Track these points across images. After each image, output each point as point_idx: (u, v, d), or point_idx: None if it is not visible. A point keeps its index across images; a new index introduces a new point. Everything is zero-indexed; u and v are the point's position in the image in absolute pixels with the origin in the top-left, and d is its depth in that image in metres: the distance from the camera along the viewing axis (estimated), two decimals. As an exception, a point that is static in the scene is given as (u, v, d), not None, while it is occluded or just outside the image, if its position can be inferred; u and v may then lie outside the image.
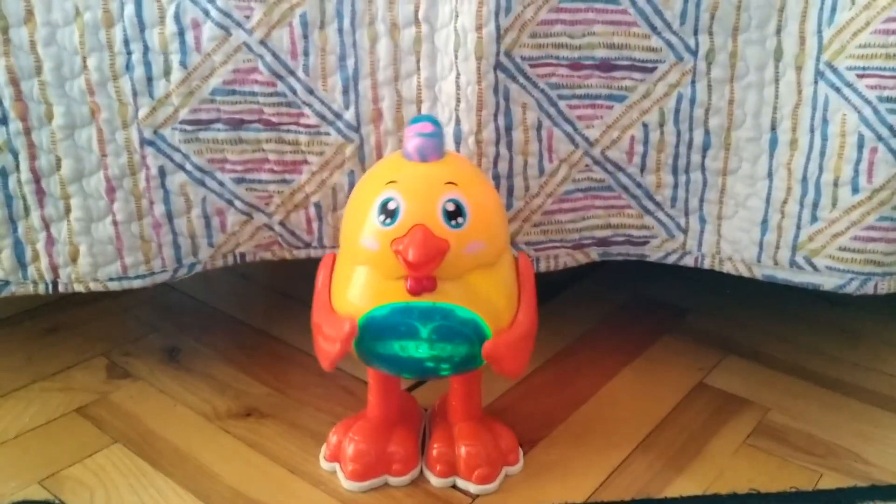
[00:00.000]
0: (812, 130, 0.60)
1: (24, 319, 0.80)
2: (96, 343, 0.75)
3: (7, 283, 0.63)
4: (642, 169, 0.64)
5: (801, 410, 0.67)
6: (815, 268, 0.62)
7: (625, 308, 0.84)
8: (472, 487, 0.58)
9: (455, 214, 0.51)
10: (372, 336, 0.53)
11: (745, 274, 0.66)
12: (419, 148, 0.53)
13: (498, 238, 0.55)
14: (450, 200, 0.51)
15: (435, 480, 0.58)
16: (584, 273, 0.91)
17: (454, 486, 0.58)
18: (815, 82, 0.60)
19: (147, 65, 0.58)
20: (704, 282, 0.89)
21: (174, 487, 0.58)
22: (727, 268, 0.66)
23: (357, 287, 0.53)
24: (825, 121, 0.60)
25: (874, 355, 0.75)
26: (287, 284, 0.88)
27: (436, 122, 0.54)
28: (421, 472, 0.59)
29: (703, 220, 0.66)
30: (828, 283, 0.62)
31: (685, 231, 0.67)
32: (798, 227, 0.62)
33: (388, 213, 0.51)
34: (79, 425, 0.64)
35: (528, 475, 0.59)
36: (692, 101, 0.62)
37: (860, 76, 0.58)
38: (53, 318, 0.80)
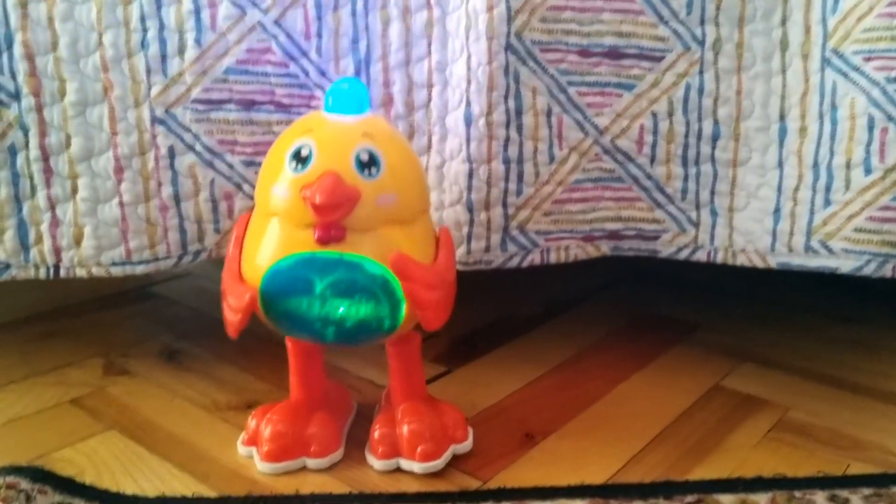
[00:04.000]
0: (821, 116, 0.61)
1: (21, 326, 0.78)
2: (93, 346, 0.73)
3: (8, 266, 0.62)
4: (652, 160, 0.64)
5: (821, 409, 0.64)
6: (830, 251, 0.61)
7: (632, 324, 0.82)
8: (416, 466, 0.55)
9: (369, 164, 0.50)
10: (274, 291, 0.51)
11: (759, 265, 0.65)
12: (338, 99, 0.52)
13: (413, 196, 0.53)
14: (364, 150, 0.50)
15: (377, 463, 0.55)
16: (587, 294, 0.90)
17: (398, 469, 0.55)
18: (822, 69, 0.61)
19: (162, 42, 0.59)
20: (713, 300, 0.88)
21: (171, 469, 0.55)
22: (740, 260, 0.66)
23: (266, 239, 0.51)
24: (834, 106, 0.60)
25: (893, 365, 0.73)
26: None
27: (360, 82, 0.54)
28: (365, 457, 0.56)
29: (714, 213, 0.65)
30: (844, 265, 0.61)
31: (697, 225, 0.66)
32: (811, 213, 0.62)
33: (301, 160, 0.50)
34: (72, 414, 0.61)
35: (541, 463, 0.57)
36: (700, 91, 0.63)
37: (867, 59, 0.59)
38: (50, 325, 0.78)
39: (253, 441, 0.57)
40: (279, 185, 0.51)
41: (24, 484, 0.47)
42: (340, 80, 0.56)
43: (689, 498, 0.52)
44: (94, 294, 0.86)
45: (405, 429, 0.56)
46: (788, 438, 0.60)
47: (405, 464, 0.55)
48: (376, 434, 0.56)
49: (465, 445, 0.57)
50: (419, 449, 0.55)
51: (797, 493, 0.53)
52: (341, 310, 0.51)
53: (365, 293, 0.51)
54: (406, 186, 0.53)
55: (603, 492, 0.53)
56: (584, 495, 0.52)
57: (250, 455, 0.56)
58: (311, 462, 0.55)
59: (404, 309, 0.52)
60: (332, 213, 0.49)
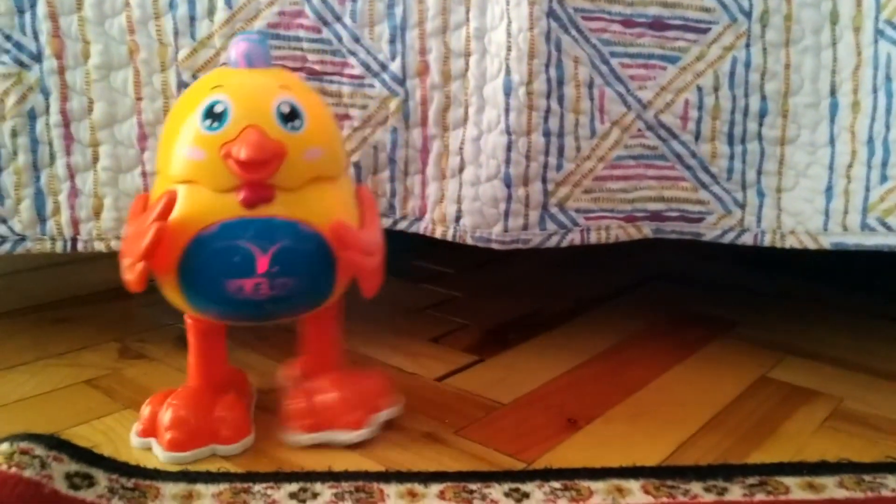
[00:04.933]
0: (875, 90, 0.58)
1: (31, 312, 0.75)
2: (108, 331, 0.70)
3: (23, 238, 0.59)
4: (697, 136, 0.62)
5: (877, 400, 0.61)
6: (889, 228, 0.58)
7: (667, 320, 0.79)
8: (340, 436, 0.51)
9: (291, 117, 0.47)
10: (201, 266, 0.46)
11: (811, 246, 0.62)
12: (246, 52, 0.48)
13: (337, 150, 0.50)
14: (285, 102, 0.47)
15: (296, 438, 0.51)
16: (617, 291, 0.87)
17: (321, 444, 0.52)
18: (876, 42, 0.58)
19: (191, 3, 0.57)
20: (745, 300, 0.85)
21: (192, 447, 0.51)
22: (790, 242, 0.62)
23: (179, 208, 0.46)
24: (889, 78, 0.58)
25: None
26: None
27: (261, 33, 0.51)
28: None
29: (761, 194, 0.62)
30: (904, 242, 0.58)
31: (743, 206, 0.63)
32: (867, 189, 0.59)
33: (215, 117, 0.46)
34: (87, 394, 0.58)
35: (586, 446, 0.53)
36: (747, 65, 0.61)
37: (923, 28, 0.56)
38: (63, 312, 0.75)
39: (150, 431, 0.51)
40: (192, 147, 0.46)
41: (39, 450, 0.43)
42: (243, 33, 0.52)
43: (751, 480, 0.48)
44: (108, 284, 0.83)
45: (325, 399, 0.52)
46: (847, 427, 0.57)
47: (329, 435, 0.51)
48: (293, 408, 0.52)
49: (391, 412, 0.54)
50: (342, 419, 0.51)
51: (866, 477, 0.49)
52: (292, 283, 0.46)
53: (303, 263, 0.47)
54: (330, 139, 0.49)
55: (658, 473, 0.49)
56: (638, 476, 0.49)
57: (146, 447, 0.51)
58: (222, 449, 0.50)
59: (337, 274, 0.48)
60: (261, 169, 0.45)
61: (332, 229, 0.47)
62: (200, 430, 0.50)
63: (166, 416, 0.50)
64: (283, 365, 0.59)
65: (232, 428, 0.51)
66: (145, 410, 0.51)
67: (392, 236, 0.68)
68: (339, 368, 0.55)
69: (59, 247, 0.59)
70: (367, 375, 0.55)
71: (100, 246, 0.59)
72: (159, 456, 0.50)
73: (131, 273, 0.46)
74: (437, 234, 0.63)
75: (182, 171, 0.47)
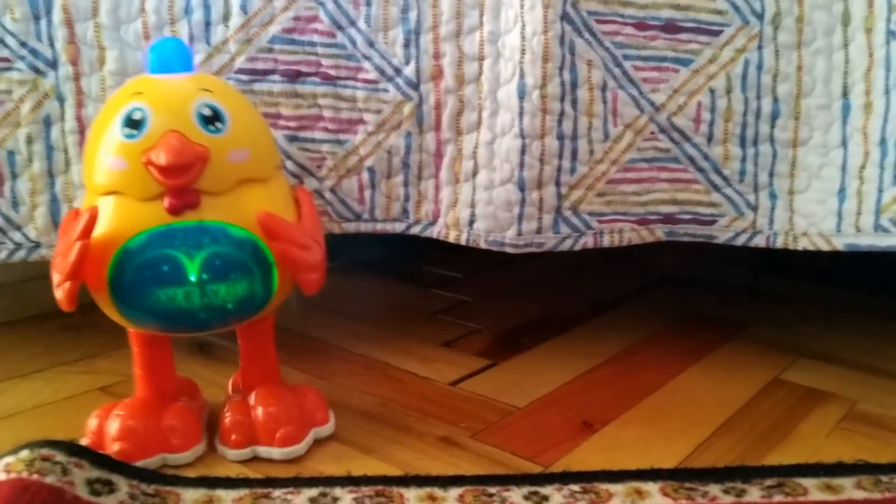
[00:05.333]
0: (888, 91, 0.58)
1: (45, 320, 0.75)
2: (121, 338, 0.69)
3: (38, 245, 0.59)
4: (709, 139, 0.62)
5: (892, 402, 0.61)
6: (903, 229, 0.58)
7: (679, 322, 0.79)
8: (276, 452, 0.51)
9: (212, 119, 0.46)
10: (130, 279, 0.45)
11: (824, 247, 0.62)
12: (164, 58, 0.47)
13: (266, 150, 0.49)
14: (204, 105, 0.46)
15: (230, 453, 0.51)
16: (628, 295, 0.87)
17: (256, 458, 0.51)
18: (888, 43, 0.58)
19: (206, 8, 0.57)
20: (757, 302, 0.85)
21: (211, 452, 0.51)
22: (802, 244, 0.62)
23: (107, 222, 0.45)
24: (901, 80, 0.58)
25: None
26: (329, 300, 0.83)
27: (181, 41, 0.50)
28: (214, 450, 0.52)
29: (773, 196, 0.63)
30: (919, 243, 0.58)
31: (755, 208, 0.63)
32: (880, 191, 0.59)
33: (134, 125, 0.45)
34: (102, 400, 0.58)
35: (603, 449, 0.53)
36: (759, 67, 0.61)
37: (936, 30, 0.56)
38: (74, 319, 0.74)
39: (98, 443, 0.49)
40: (113, 157, 0.45)
41: (60, 457, 0.43)
42: (161, 40, 0.51)
43: (769, 481, 0.48)
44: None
45: (260, 413, 0.51)
46: (861, 429, 0.57)
47: (262, 451, 0.51)
48: (227, 421, 0.51)
49: (327, 428, 0.54)
50: (278, 434, 0.50)
51: (883, 478, 0.49)
52: (223, 291, 0.46)
53: (237, 267, 0.46)
54: (257, 140, 0.48)
55: (676, 475, 0.49)
56: (656, 479, 0.49)
57: None
58: (172, 458, 0.50)
59: (276, 277, 0.48)
60: (182, 174, 0.44)
61: (260, 220, 0.46)
62: (149, 440, 0.49)
63: (113, 426, 0.49)
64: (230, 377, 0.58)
65: (182, 436, 0.50)
66: (92, 423, 0.50)
67: (397, 240, 0.68)
68: (276, 381, 0.54)
69: (74, 253, 0.59)
70: (304, 390, 0.55)
71: (115, 252, 0.59)
72: None
73: (61, 292, 0.45)
74: (451, 239, 0.63)
75: (105, 181, 0.46)
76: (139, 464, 0.48)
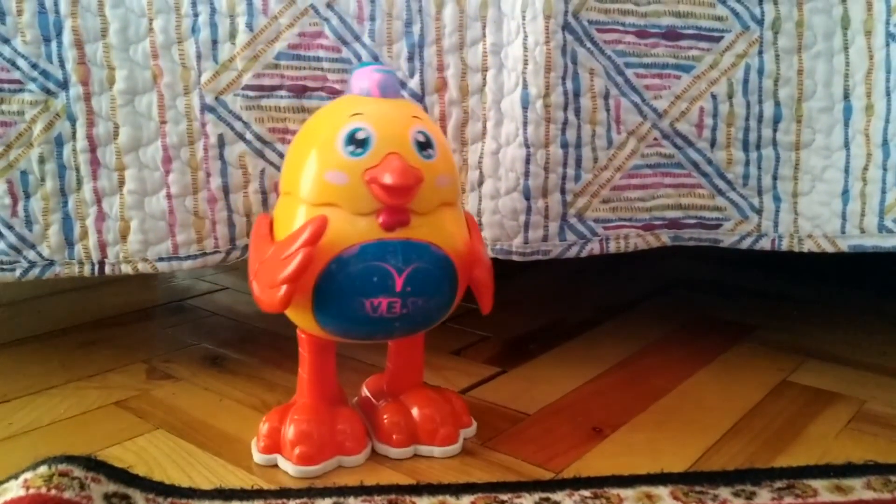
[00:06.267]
0: (888, 93, 0.59)
1: (59, 336, 0.76)
2: (134, 353, 0.71)
3: (52, 263, 0.60)
4: (712, 144, 0.62)
5: (901, 402, 0.61)
6: (907, 229, 0.59)
7: (687, 326, 0.79)
8: (437, 451, 0.53)
9: (426, 145, 0.48)
10: (339, 286, 0.47)
11: (829, 249, 0.62)
12: (381, 83, 0.50)
13: (457, 177, 0.52)
14: (419, 132, 0.49)
15: (393, 452, 0.53)
16: (636, 300, 0.88)
17: (416, 455, 0.53)
18: (887, 45, 0.59)
19: (213, 27, 0.58)
20: (764, 305, 0.85)
21: (224, 465, 0.52)
22: (807, 246, 0.63)
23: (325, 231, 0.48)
24: (901, 82, 0.58)
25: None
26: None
27: (388, 67, 0.53)
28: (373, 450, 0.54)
29: (777, 199, 0.63)
30: (923, 243, 0.59)
31: (759, 212, 0.64)
32: (883, 192, 0.59)
33: (358, 143, 0.47)
34: (117, 415, 0.59)
35: (613, 454, 0.54)
36: (760, 72, 0.61)
37: (935, 31, 0.57)
38: (88, 335, 0.76)
39: (272, 447, 0.52)
40: (333, 172, 0.48)
41: (77, 472, 0.44)
42: (365, 62, 0.55)
43: (779, 483, 0.49)
44: (130, 307, 0.84)
45: (420, 414, 0.54)
46: (870, 429, 0.57)
47: (424, 450, 0.53)
48: (387, 422, 0.53)
49: (471, 430, 0.56)
50: (439, 434, 0.53)
51: (893, 479, 0.49)
52: (420, 304, 0.48)
53: (436, 284, 0.49)
54: (453, 167, 0.51)
55: (686, 479, 0.50)
56: (667, 483, 0.49)
57: (270, 463, 0.52)
58: (347, 460, 0.52)
59: (457, 296, 0.51)
60: (404, 195, 0.47)
61: (469, 251, 0.50)
62: (325, 444, 0.51)
63: (290, 431, 0.51)
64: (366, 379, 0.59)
65: (354, 439, 0.52)
66: (264, 427, 0.52)
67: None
68: (422, 385, 0.56)
69: (87, 270, 0.60)
70: (449, 394, 0.57)
71: (127, 269, 0.60)
72: (288, 471, 0.51)
73: (274, 296, 0.47)
74: (458, 248, 0.63)
75: (321, 194, 0.48)
76: (319, 466, 0.50)
